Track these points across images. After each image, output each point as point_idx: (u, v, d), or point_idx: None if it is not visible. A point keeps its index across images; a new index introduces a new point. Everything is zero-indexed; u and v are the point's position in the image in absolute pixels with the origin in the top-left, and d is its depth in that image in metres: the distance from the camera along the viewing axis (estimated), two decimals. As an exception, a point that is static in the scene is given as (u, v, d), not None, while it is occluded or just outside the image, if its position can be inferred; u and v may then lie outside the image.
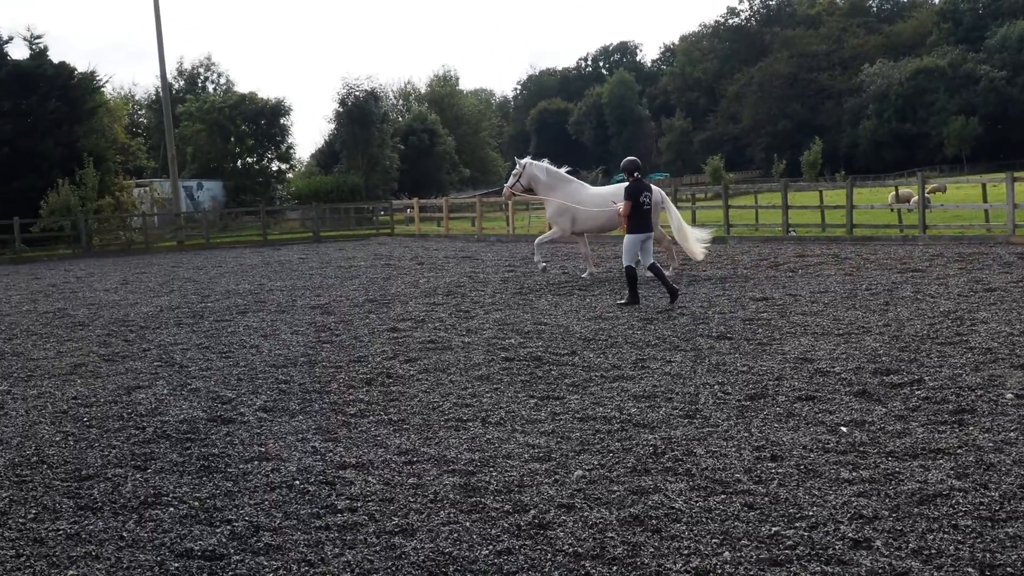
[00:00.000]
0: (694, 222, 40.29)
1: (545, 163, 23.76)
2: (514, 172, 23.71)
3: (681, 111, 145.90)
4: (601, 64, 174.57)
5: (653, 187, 19.91)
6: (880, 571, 5.73)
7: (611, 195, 21.99)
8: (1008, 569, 5.69)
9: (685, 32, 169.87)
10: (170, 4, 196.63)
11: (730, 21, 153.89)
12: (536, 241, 24.00)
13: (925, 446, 8.09)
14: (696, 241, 22.14)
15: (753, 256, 25.94)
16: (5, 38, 57.18)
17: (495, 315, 16.91)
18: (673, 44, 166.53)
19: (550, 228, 23.90)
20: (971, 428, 8.56)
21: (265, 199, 68.49)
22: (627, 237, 17.83)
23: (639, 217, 17.69)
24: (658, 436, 8.76)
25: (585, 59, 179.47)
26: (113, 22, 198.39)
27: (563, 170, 23.56)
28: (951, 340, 12.56)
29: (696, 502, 7.01)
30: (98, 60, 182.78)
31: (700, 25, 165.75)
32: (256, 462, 8.60)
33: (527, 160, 23.77)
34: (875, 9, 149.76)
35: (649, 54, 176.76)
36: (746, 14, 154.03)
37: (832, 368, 11.23)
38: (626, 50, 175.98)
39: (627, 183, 18.19)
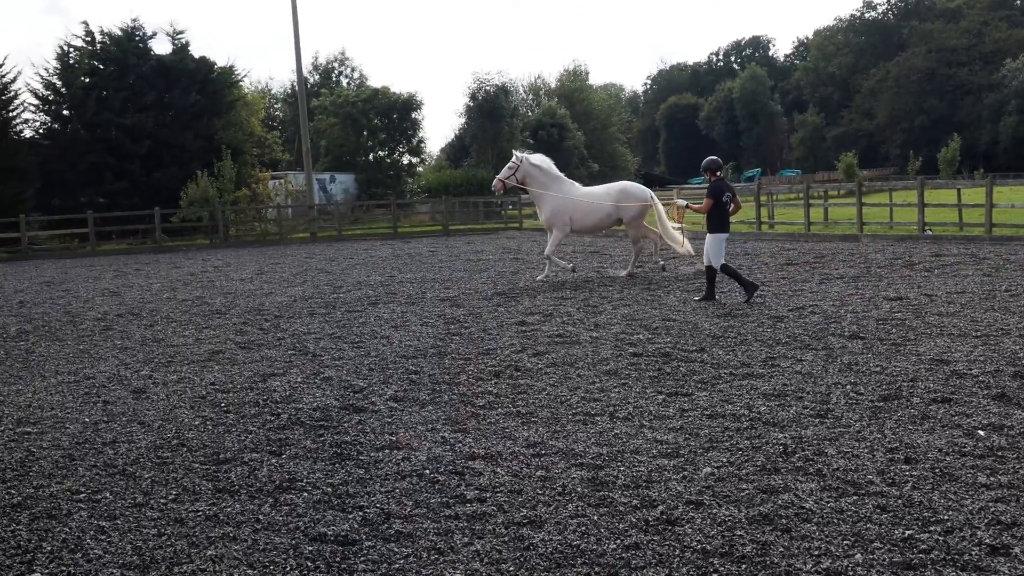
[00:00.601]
0: (826, 219, 39.76)
1: (541, 159, 23.52)
2: (510, 165, 23.13)
3: (814, 107, 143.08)
4: (732, 59, 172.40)
5: (644, 188, 22.77)
6: (1014, 578, 5.62)
7: (602, 195, 23.12)
8: None
9: (819, 26, 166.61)
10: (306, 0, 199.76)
11: (866, 15, 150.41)
12: (546, 254, 23.38)
13: (1062, 453, 7.90)
14: (678, 236, 22.76)
15: (887, 255, 25.40)
16: (149, 33, 58.58)
17: (623, 310, 16.87)
18: (807, 38, 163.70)
19: (550, 232, 23.33)
20: (1109, 436, 8.33)
21: (396, 192, 69.12)
22: (711, 236, 17.74)
23: (721, 216, 17.74)
24: (788, 435, 8.68)
25: (716, 54, 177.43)
26: (252, 18, 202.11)
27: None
28: (1089, 345, 12.22)
29: (827, 502, 6.93)
30: (237, 55, 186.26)
31: (835, 19, 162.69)
32: (387, 450, 8.73)
33: (524, 155, 23.47)
34: (1019, 2, 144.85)
35: (782, 49, 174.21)
36: (883, 8, 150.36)
37: (969, 370, 10.97)
38: (758, 44, 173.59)
39: (710, 183, 18.18)
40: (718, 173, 18.10)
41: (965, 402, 9.62)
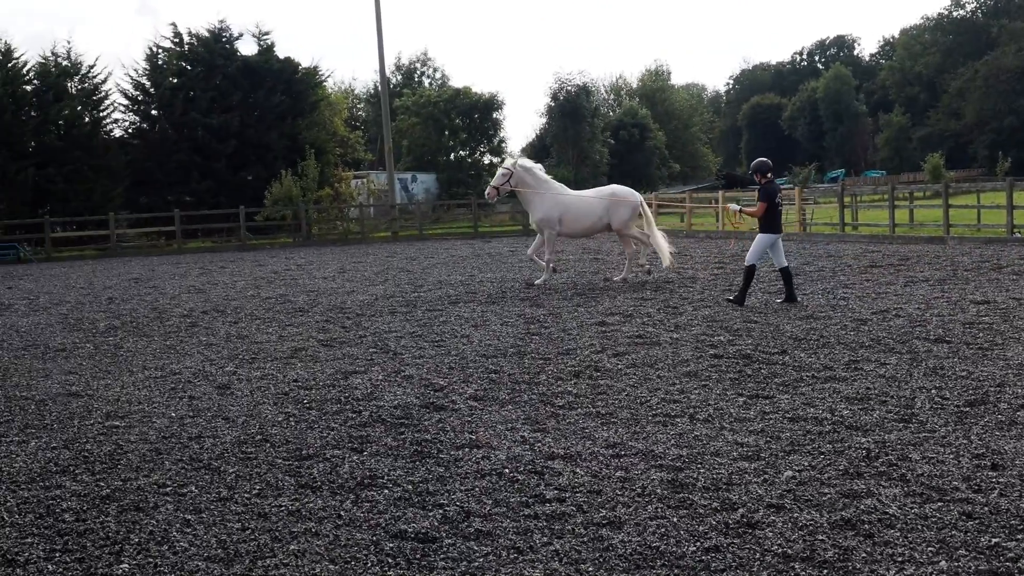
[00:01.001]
0: (911, 221, 39.16)
1: (531, 164, 23.50)
2: (503, 172, 22.98)
3: (899, 107, 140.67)
4: (816, 58, 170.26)
5: (633, 192, 23.33)
6: (1103, 589, 5.50)
7: (590, 198, 23.09)
8: None
9: (906, 25, 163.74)
10: (389, 1, 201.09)
11: (954, 13, 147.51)
12: (532, 254, 23.57)
13: None
14: (664, 245, 22.86)
15: (974, 258, 24.95)
16: (236, 34, 59.35)
17: (704, 312, 16.76)
18: (893, 38, 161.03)
19: (541, 234, 22.94)
20: None
21: (477, 192, 69.30)
22: (761, 236, 17.69)
23: (773, 218, 17.72)
24: (871, 439, 8.55)
25: (800, 53, 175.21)
26: (336, 19, 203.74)
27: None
28: None
29: (911, 508, 6.82)
30: (321, 55, 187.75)
31: (922, 18, 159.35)
32: (467, 449, 8.75)
33: (517, 160, 23.37)
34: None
35: (867, 48, 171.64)
36: (971, 6, 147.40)
37: (1060, 377, 10.76)
38: (843, 44, 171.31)
39: (760, 185, 17.98)
40: (768, 175, 17.96)
41: (1057, 409, 9.43)
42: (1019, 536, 6.26)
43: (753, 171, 18.30)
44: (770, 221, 17.65)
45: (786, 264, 17.92)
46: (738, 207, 20.65)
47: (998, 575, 5.72)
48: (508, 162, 23.28)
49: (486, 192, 23.49)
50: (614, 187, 24.70)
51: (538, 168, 23.28)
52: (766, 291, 19.45)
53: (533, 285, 22.15)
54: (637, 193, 23.90)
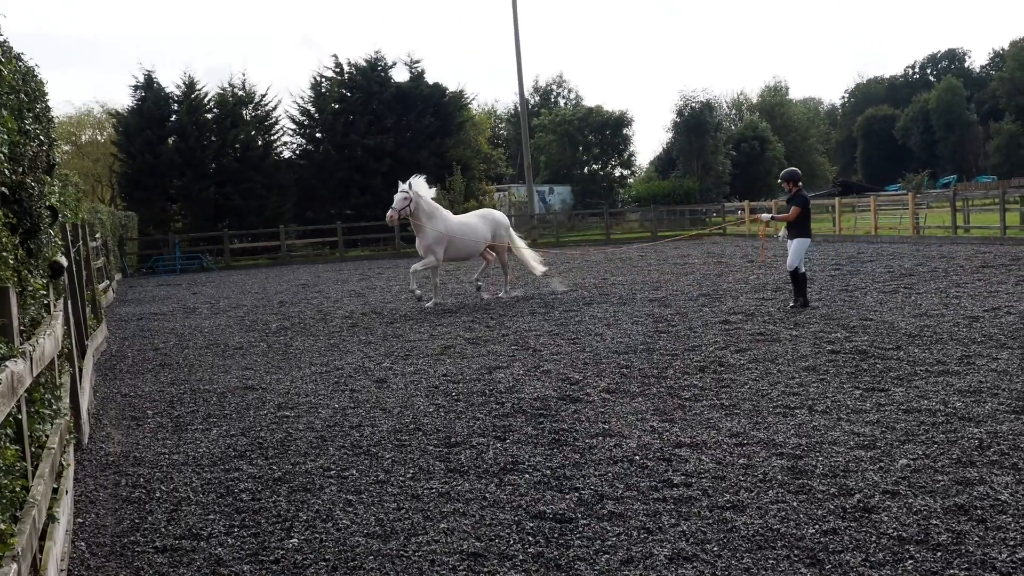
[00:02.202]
0: (1022, 223, 37.88)
1: (425, 187, 21.44)
2: (403, 196, 20.67)
3: (1010, 115, 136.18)
4: (928, 71, 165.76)
5: (501, 214, 23.00)
6: None
7: (474, 223, 22.15)
8: None
9: (1015, 37, 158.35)
10: (528, 27, 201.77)
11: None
12: (411, 269, 21.94)
13: None
14: (533, 260, 23.08)
15: (1079, 258, 24.05)
16: (390, 63, 60.18)
17: (822, 311, 16.43)
18: (1003, 49, 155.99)
19: (425, 256, 21.36)
20: None
21: (608, 202, 69.28)
22: (798, 241, 17.26)
23: (807, 223, 17.51)
24: (984, 430, 8.29)
25: (912, 67, 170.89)
26: (479, 46, 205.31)
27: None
28: None
29: (1023, 496, 6.61)
30: (466, 80, 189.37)
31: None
32: (600, 437, 8.75)
33: (414, 189, 20.95)
34: None
35: (978, 60, 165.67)
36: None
37: None
38: (954, 57, 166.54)
39: (792, 194, 17.54)
40: (799, 184, 17.55)
41: None
42: None
43: (785, 179, 17.81)
44: (804, 226, 17.39)
45: (803, 270, 17.46)
46: (769, 216, 20.09)
47: (1106, 559, 5.51)
48: (404, 185, 20.97)
49: (387, 217, 21.05)
50: (487, 211, 24.06)
51: (431, 194, 21.63)
52: (881, 291, 19.00)
53: (426, 305, 20.92)
54: (503, 216, 23.59)
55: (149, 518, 7.16)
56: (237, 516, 7.07)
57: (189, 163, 53.11)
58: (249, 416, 10.54)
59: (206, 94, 55.75)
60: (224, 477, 8.14)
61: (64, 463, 6.96)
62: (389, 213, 20.80)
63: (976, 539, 5.89)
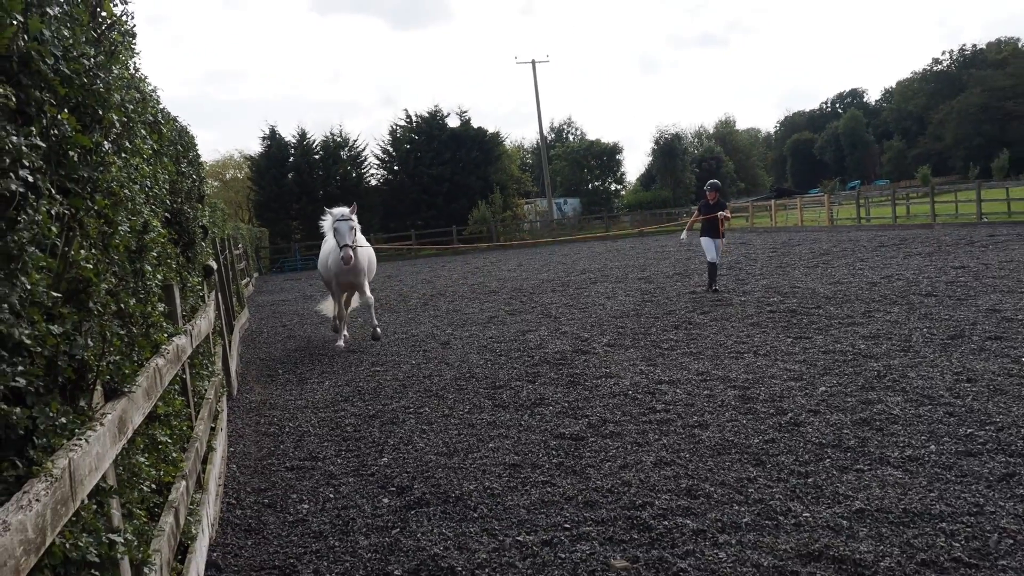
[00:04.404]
0: (908, 214, 37.34)
1: (342, 215, 12.11)
2: (350, 225, 12.01)
3: (898, 135, 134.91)
4: (837, 105, 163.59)
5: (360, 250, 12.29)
6: (1051, 464, 5.17)
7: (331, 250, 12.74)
8: None
9: (900, 78, 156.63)
10: (544, 84, 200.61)
11: (935, 68, 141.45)
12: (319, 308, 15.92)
13: (1089, 374, 7.20)
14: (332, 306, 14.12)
15: (953, 237, 23.65)
16: (445, 113, 60.20)
17: (763, 282, 16.30)
18: (891, 87, 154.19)
19: (360, 292, 12.93)
20: None
21: (607, 209, 68.87)
22: (721, 241, 15.64)
23: (716, 225, 15.54)
24: (880, 364, 8.22)
25: (826, 102, 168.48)
26: (510, 97, 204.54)
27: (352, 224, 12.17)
28: (1111, 296, 11.08)
29: (909, 410, 6.53)
30: (501, 123, 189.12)
31: (911, 72, 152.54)
32: (603, 379, 8.73)
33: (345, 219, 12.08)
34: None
35: (873, 96, 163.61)
36: (947, 62, 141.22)
37: (1016, 316, 10.11)
38: (856, 94, 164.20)
39: (715, 201, 15.68)
40: (718, 192, 15.82)
41: (1012, 339, 8.88)
42: (987, 427, 5.95)
43: (712, 189, 15.85)
44: (717, 228, 15.54)
45: (718, 260, 15.82)
46: (724, 213, 17.21)
47: (972, 454, 5.45)
48: (338, 211, 12.18)
49: (343, 258, 11.71)
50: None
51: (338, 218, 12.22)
52: (806, 265, 18.79)
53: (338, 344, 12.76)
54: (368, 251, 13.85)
55: (281, 446, 7.23)
56: (344, 443, 7.13)
57: (304, 191, 53.35)
58: (351, 371, 10.60)
59: (314, 141, 55.92)
60: (334, 415, 8.20)
61: (219, 409, 7.03)
62: (344, 253, 11.70)
63: (876, 443, 5.84)
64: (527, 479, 5.73)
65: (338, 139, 56.82)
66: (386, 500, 5.55)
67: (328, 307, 14.76)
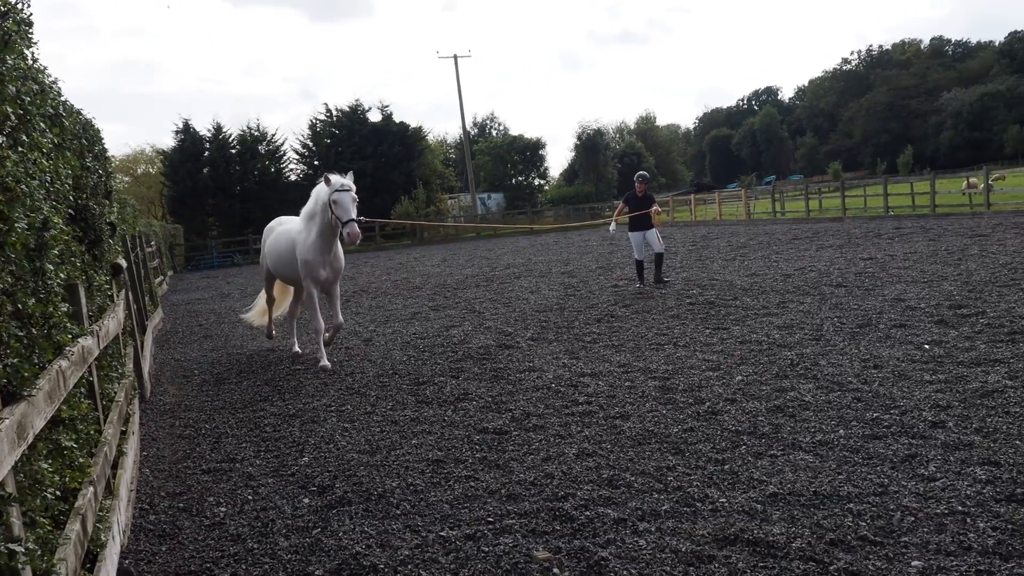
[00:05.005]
0: (820, 208, 38.50)
1: (341, 184, 9.79)
2: (352, 195, 9.82)
3: (810, 132, 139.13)
4: (753, 102, 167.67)
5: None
6: (951, 443, 5.40)
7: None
8: (1049, 444, 5.27)
9: (812, 77, 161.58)
10: (467, 79, 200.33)
11: (844, 67, 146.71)
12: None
13: (986, 357, 7.53)
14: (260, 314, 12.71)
15: (862, 229, 24.49)
16: (366, 108, 59.69)
17: (683, 275, 16.61)
18: (804, 85, 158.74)
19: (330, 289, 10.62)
20: (1020, 344, 7.91)
21: (531, 204, 69.13)
22: (650, 233, 15.07)
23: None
24: (794, 353, 8.46)
25: (742, 99, 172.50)
26: (433, 92, 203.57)
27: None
28: (1007, 283, 11.60)
29: (820, 396, 6.74)
30: (423, 118, 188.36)
31: (823, 71, 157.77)
32: (527, 372, 8.77)
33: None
34: (950, 52, 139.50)
35: (787, 93, 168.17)
36: (855, 62, 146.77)
37: (919, 305, 10.54)
38: (771, 92, 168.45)
39: (643, 194, 15.21)
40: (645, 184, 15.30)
41: (915, 326, 9.26)
42: (892, 411, 6.19)
43: (642, 180, 15.38)
44: (647, 221, 15.10)
45: (652, 254, 15.30)
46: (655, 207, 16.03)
47: (877, 437, 5.66)
48: (336, 179, 9.87)
49: (350, 235, 9.55)
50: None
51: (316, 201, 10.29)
52: (724, 258, 19.21)
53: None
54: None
55: (197, 449, 7.07)
56: (263, 443, 7.00)
57: (220, 187, 52.21)
58: (270, 370, 10.41)
59: (231, 135, 54.76)
60: (253, 416, 8.04)
61: (130, 412, 6.83)
62: (354, 231, 9.58)
63: (789, 429, 6.01)
64: (450, 474, 5.72)
65: (256, 133, 55.76)
66: (307, 500, 5.48)
67: (256, 314, 12.57)
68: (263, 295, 12.42)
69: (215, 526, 5.18)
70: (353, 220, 9.58)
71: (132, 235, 13.89)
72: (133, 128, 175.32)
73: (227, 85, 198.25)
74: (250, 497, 5.65)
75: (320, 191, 10.11)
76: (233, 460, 6.59)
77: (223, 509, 5.47)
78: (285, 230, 11.08)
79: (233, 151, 54.65)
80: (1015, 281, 11.75)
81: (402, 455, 6.26)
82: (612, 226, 16.43)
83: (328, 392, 8.74)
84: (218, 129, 54.29)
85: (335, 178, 9.89)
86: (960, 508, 4.41)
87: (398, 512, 5.09)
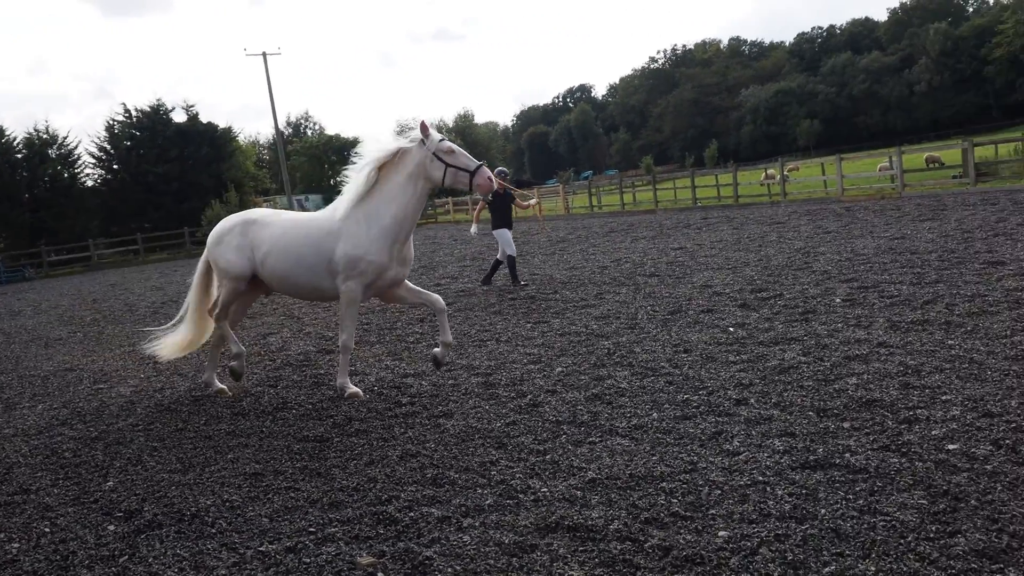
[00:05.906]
0: (634, 201, 40.17)
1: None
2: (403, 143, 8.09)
3: (623, 128, 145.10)
4: (568, 100, 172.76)
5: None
6: (753, 419, 5.79)
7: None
8: (834, 411, 5.75)
9: (623, 75, 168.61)
10: (278, 77, 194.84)
11: (651, 66, 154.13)
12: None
13: (783, 336, 8.12)
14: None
15: (673, 221, 25.83)
16: (170, 108, 56.99)
17: (505, 271, 16.83)
18: (616, 83, 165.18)
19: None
20: (813, 323, 8.59)
21: (349, 204, 68.35)
22: (507, 232, 14.87)
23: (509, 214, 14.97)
24: (611, 342, 8.80)
25: (557, 97, 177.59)
26: (242, 91, 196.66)
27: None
28: (801, 267, 12.57)
29: (635, 383, 7.04)
30: (233, 118, 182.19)
31: (632, 69, 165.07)
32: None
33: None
34: (747, 52, 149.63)
35: (600, 91, 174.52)
36: (662, 60, 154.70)
37: (724, 290, 11.22)
38: (584, 89, 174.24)
39: (503, 190, 14.42)
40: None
41: (721, 311, 9.85)
42: (700, 392, 6.56)
43: (499, 176, 14.21)
44: (509, 217, 14.96)
45: (511, 253, 14.86)
46: (535, 200, 17.19)
47: (688, 417, 5.98)
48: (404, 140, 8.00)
49: (480, 185, 7.41)
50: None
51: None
52: (544, 253, 19.68)
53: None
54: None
55: (-15, 481, 6.51)
56: (61, 471, 6.53)
57: (5, 195, 48.40)
58: (69, 391, 9.73)
59: (15, 138, 50.84)
60: (49, 442, 7.48)
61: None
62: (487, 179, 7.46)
63: (606, 415, 6.25)
64: (269, 486, 5.56)
65: (44, 136, 52.11)
66: (112, 527, 5.17)
67: (176, 344, 8.81)
68: (190, 319, 8.72)
69: (7, 564, 4.79)
70: (482, 166, 7.45)
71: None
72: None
73: (10, 84, 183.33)
74: (47, 529, 5.27)
75: (404, 151, 7.76)
76: (27, 491, 6.11)
77: (16, 545, 5.07)
78: (295, 223, 8.02)
79: (19, 156, 50.78)
80: (807, 264, 12.73)
81: (217, 471, 6.02)
82: (473, 228, 15.84)
83: (135, 411, 8.27)
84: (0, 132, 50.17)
85: (434, 133, 7.72)
86: (761, 478, 4.74)
87: (213, 531, 4.90)
